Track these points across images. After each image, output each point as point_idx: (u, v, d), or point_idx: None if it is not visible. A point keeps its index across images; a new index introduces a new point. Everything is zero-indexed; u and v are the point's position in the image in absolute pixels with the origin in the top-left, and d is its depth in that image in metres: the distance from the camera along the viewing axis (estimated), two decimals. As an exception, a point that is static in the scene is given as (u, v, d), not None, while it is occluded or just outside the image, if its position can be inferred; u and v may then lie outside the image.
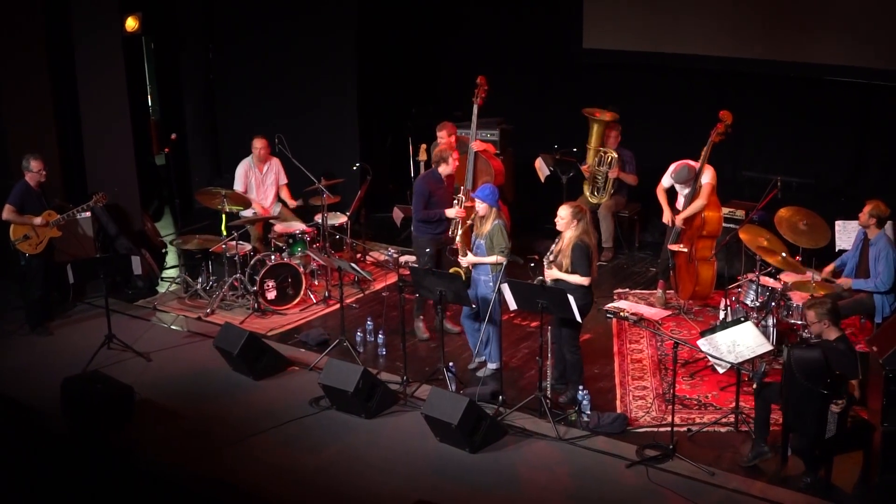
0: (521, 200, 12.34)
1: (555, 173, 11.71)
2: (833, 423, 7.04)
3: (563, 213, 8.28)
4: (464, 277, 8.70)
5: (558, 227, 8.30)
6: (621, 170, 11.69)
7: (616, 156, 11.61)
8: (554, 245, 8.38)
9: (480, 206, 8.67)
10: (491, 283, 8.61)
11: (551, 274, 8.28)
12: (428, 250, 9.49)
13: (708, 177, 9.95)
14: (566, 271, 8.20)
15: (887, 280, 8.68)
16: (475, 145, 11.03)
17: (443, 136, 10.98)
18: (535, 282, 8.28)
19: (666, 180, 10.30)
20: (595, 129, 11.83)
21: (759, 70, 11.47)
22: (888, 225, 9.10)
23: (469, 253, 8.79)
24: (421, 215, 9.53)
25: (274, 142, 11.22)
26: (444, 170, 9.54)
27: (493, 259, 8.64)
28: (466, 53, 13.32)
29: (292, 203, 11.53)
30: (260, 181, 11.48)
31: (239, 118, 14.04)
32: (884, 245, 8.76)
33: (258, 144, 11.39)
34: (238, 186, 11.35)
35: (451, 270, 8.97)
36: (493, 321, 8.74)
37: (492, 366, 8.99)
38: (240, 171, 11.44)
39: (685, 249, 10.09)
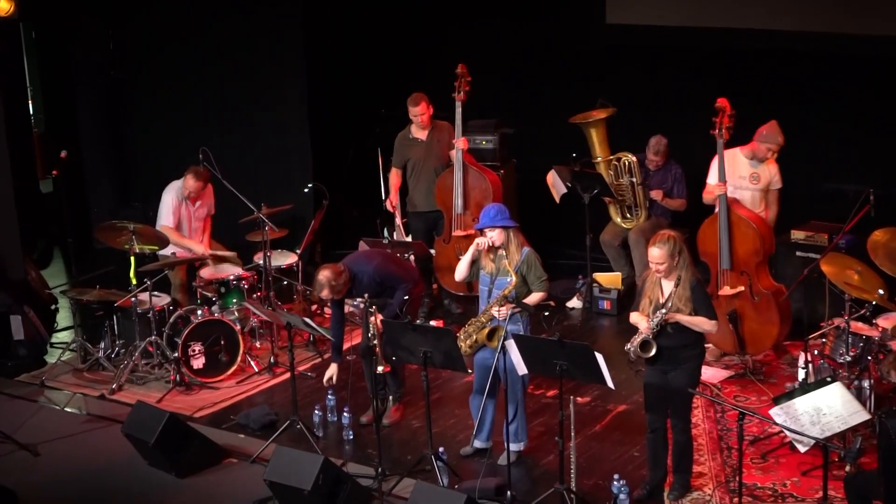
0: (528, 227, 12.29)
1: (573, 190, 11.70)
2: (954, 517, 7.02)
3: (659, 255, 8.04)
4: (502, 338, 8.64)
5: (660, 275, 8.13)
6: (667, 194, 11.72)
7: (634, 158, 11.65)
8: (646, 297, 8.24)
9: (492, 235, 8.68)
10: (523, 332, 8.63)
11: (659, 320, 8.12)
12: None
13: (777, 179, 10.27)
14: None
15: None
16: (461, 143, 11.15)
17: (422, 110, 11.18)
18: (551, 335, 8.25)
19: (713, 176, 10.33)
20: (594, 136, 11.92)
21: (835, 49, 11.51)
22: None
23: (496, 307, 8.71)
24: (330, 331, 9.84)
25: (198, 158, 11.19)
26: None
27: (538, 297, 8.70)
28: (452, 38, 13.34)
29: (221, 252, 11.54)
30: (190, 216, 11.44)
31: (150, 128, 14.03)
32: None
33: (190, 185, 11.26)
34: (167, 221, 11.27)
35: (487, 331, 8.80)
36: (516, 393, 8.71)
37: (515, 447, 8.96)
38: (169, 200, 11.34)
39: (741, 288, 10.13)
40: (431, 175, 11.60)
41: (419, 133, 11.58)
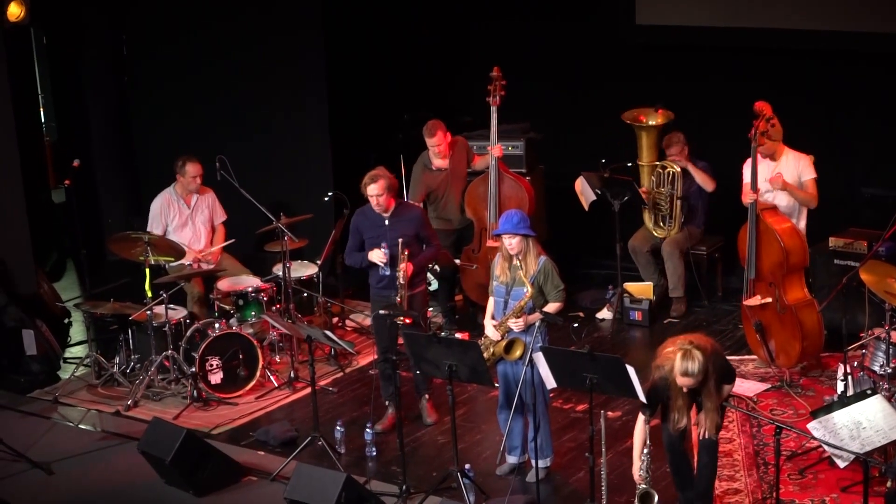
0: (557, 236, 12.35)
1: (603, 197, 11.70)
2: None
3: (693, 381, 7.72)
4: (522, 352, 8.66)
5: (692, 386, 7.82)
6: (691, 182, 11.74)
7: (679, 170, 11.62)
8: (679, 399, 7.97)
9: (511, 242, 8.69)
10: (541, 344, 8.61)
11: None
12: (380, 312, 9.51)
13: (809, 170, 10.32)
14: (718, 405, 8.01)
15: None
16: (496, 150, 11.07)
17: (439, 141, 11.07)
18: (580, 348, 8.26)
19: (747, 175, 10.37)
20: (644, 140, 11.88)
21: (876, 49, 11.49)
22: None
23: (511, 319, 8.74)
24: (347, 260, 9.88)
25: (214, 166, 11.26)
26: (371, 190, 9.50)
27: (554, 307, 8.71)
28: (477, 41, 13.34)
29: (217, 246, 11.58)
30: (186, 219, 11.52)
31: (164, 136, 14.05)
32: None
33: (191, 171, 11.43)
34: (155, 230, 11.38)
35: (504, 344, 8.85)
36: (537, 407, 8.73)
37: (541, 464, 8.97)
38: (155, 208, 11.54)
39: (769, 300, 10.14)
40: (458, 196, 11.53)
41: (439, 162, 11.44)
